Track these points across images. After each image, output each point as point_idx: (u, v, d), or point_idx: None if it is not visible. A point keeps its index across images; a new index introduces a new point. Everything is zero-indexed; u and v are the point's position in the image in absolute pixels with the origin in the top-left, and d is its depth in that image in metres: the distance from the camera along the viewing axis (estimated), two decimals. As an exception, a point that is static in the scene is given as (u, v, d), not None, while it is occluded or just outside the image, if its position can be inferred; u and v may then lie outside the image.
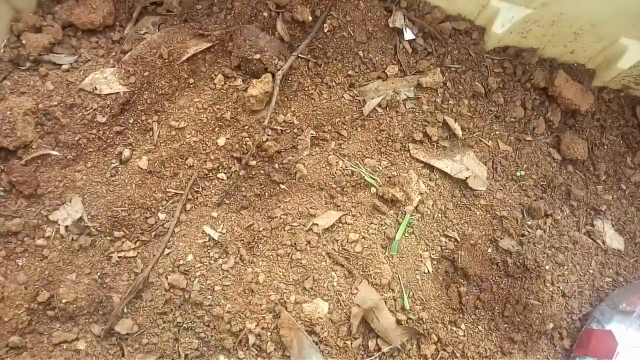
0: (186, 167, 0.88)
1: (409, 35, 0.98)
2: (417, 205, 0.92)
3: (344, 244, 0.87)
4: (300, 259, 0.85)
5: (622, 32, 0.97)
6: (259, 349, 0.81)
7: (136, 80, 0.87)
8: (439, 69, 0.98)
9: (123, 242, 0.84)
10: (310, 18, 0.93)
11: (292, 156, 0.91)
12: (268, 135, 0.90)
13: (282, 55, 0.92)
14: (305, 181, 0.90)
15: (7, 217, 0.80)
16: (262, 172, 0.90)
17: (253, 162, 0.90)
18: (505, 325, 0.93)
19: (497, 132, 1.02)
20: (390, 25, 0.97)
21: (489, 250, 0.95)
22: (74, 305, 0.79)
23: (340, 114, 0.94)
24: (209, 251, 0.85)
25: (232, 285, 0.83)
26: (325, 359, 0.80)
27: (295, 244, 0.85)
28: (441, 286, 0.92)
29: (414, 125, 0.96)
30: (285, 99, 0.93)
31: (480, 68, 1.02)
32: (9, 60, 0.85)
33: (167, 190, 0.87)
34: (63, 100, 0.84)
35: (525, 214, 0.99)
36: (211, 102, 0.90)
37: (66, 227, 0.82)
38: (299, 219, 0.88)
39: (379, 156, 0.94)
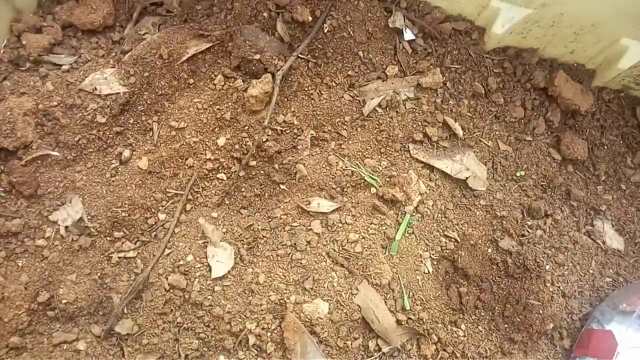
0: (186, 167, 0.88)
1: (408, 35, 0.98)
2: (417, 205, 0.92)
3: (344, 244, 0.87)
4: (300, 259, 0.85)
5: (623, 33, 0.97)
6: (259, 349, 0.81)
7: (136, 81, 0.87)
8: (438, 69, 0.98)
9: (123, 243, 0.84)
10: (310, 18, 0.93)
11: (292, 156, 0.91)
12: (268, 135, 0.90)
13: (282, 55, 0.92)
14: (305, 181, 0.90)
15: (7, 217, 0.80)
16: (262, 172, 0.90)
17: (253, 163, 0.90)
18: (506, 326, 0.93)
19: (497, 132, 1.02)
20: (390, 25, 0.97)
21: (489, 250, 0.95)
22: (74, 306, 0.79)
23: (340, 114, 0.94)
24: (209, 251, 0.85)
25: (232, 285, 0.83)
26: None
27: (295, 244, 0.85)
28: (441, 286, 0.92)
29: (414, 126, 0.96)
30: (285, 99, 0.93)
31: (480, 68, 1.02)
32: (9, 61, 0.85)
33: (167, 190, 0.87)
34: (63, 101, 0.84)
35: (525, 214, 0.99)
36: (211, 103, 0.90)
37: (66, 227, 0.82)
38: (299, 219, 0.88)
39: (379, 156, 0.94)
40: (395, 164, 0.94)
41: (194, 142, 0.89)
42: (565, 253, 0.98)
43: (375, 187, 0.91)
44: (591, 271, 1.00)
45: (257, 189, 0.90)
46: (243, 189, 0.90)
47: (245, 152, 0.89)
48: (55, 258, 0.81)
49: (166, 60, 0.89)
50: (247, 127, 0.90)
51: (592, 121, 1.08)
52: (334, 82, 0.95)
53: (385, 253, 0.88)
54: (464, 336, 0.91)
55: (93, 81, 0.85)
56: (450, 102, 0.99)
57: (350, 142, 0.94)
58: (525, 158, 1.03)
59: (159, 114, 0.90)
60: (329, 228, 0.87)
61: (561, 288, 0.95)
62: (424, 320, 0.87)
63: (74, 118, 0.84)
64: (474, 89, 1.01)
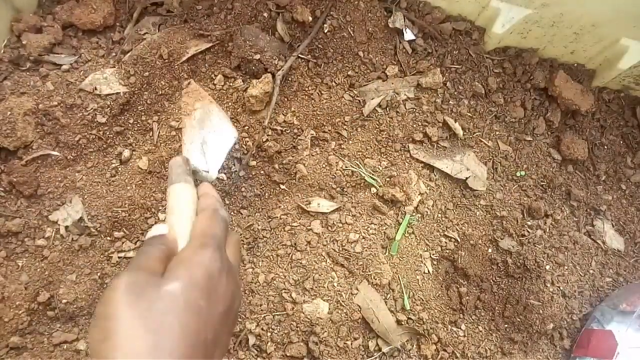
0: (186, 167, 0.88)
1: (409, 35, 0.98)
2: (417, 205, 0.92)
3: (344, 244, 0.87)
4: (300, 259, 0.85)
5: (623, 33, 0.97)
6: (259, 349, 0.81)
7: (136, 81, 0.87)
8: (439, 69, 0.98)
9: (123, 243, 0.84)
10: (310, 18, 0.93)
11: (292, 156, 0.91)
12: (268, 135, 0.90)
13: (282, 55, 0.92)
14: (305, 181, 0.90)
15: (7, 217, 0.80)
16: (262, 172, 0.90)
17: (253, 163, 0.90)
18: (506, 326, 0.93)
19: (497, 132, 1.02)
20: (390, 25, 0.97)
21: (489, 250, 0.95)
22: (74, 306, 0.79)
23: (340, 114, 0.94)
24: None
25: (232, 285, 0.83)
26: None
27: (295, 244, 0.86)
28: (441, 286, 0.92)
29: (414, 126, 0.96)
30: (285, 99, 0.93)
31: (480, 68, 1.02)
32: (9, 61, 0.85)
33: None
34: (63, 101, 0.84)
35: (525, 214, 0.99)
36: (211, 103, 0.90)
37: (66, 227, 0.82)
38: (299, 219, 0.88)
39: (379, 156, 0.94)
40: (395, 164, 0.94)
41: (194, 142, 0.89)
42: (565, 253, 0.98)
43: (375, 187, 0.91)
44: (591, 271, 1.00)
45: (257, 189, 0.90)
46: (243, 189, 0.90)
47: (245, 152, 0.89)
48: (56, 258, 0.81)
49: (166, 60, 0.89)
50: (247, 127, 0.90)
51: (592, 121, 1.08)
52: (334, 82, 0.95)
53: (385, 253, 0.88)
54: (464, 336, 0.91)
55: (93, 81, 0.85)
56: (450, 102, 0.99)
57: (350, 142, 0.94)
58: (525, 158, 1.03)
59: (159, 113, 0.90)
60: (329, 228, 0.87)
61: (561, 288, 0.95)
62: (424, 320, 0.87)
63: (74, 118, 0.84)
64: (474, 89, 1.01)
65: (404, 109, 0.96)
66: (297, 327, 0.81)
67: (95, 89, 0.85)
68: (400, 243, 0.89)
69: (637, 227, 1.06)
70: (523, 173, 1.02)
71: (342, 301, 0.84)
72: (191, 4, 0.94)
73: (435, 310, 0.90)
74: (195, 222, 0.48)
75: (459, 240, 0.94)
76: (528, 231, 0.97)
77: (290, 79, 0.93)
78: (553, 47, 1.03)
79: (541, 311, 0.92)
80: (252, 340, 0.80)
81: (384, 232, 0.88)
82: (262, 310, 0.82)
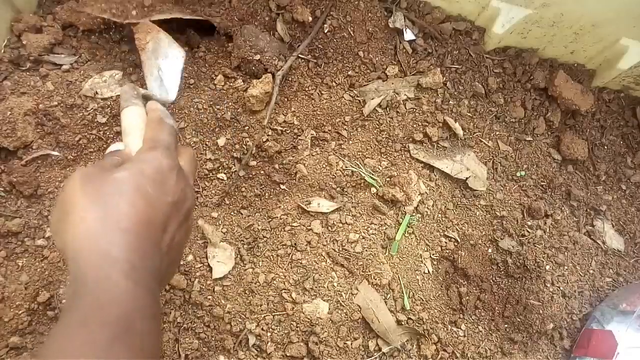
0: (186, 167, 0.88)
1: (409, 35, 0.98)
2: (417, 205, 0.92)
3: (344, 244, 0.87)
4: (300, 259, 0.85)
5: (623, 33, 0.97)
6: (259, 349, 0.81)
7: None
8: (439, 69, 0.98)
9: (123, 243, 0.84)
10: (311, 18, 0.93)
11: (292, 156, 0.91)
12: (268, 135, 0.90)
13: (282, 55, 0.92)
14: (305, 181, 0.90)
15: (7, 217, 0.80)
16: (262, 172, 0.90)
17: (253, 163, 0.90)
18: (506, 326, 0.93)
19: (497, 133, 1.02)
20: (391, 25, 0.97)
21: (489, 250, 0.95)
22: (74, 306, 0.79)
23: (340, 114, 0.94)
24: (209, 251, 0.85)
25: (232, 285, 0.83)
26: None
27: (295, 244, 0.86)
28: (441, 286, 0.92)
29: (414, 126, 0.96)
30: (286, 99, 0.93)
31: (480, 68, 1.02)
32: (10, 61, 0.85)
33: (167, 190, 0.87)
34: (63, 101, 0.84)
35: (525, 214, 0.99)
36: (211, 103, 0.90)
37: (66, 227, 0.82)
38: (299, 219, 0.88)
39: (379, 156, 0.94)
40: (395, 164, 0.94)
41: (194, 142, 0.89)
42: (565, 253, 0.98)
43: (376, 187, 0.91)
44: (591, 271, 1.00)
45: (257, 189, 0.90)
46: (243, 189, 0.90)
47: (246, 152, 0.89)
48: (56, 258, 0.81)
49: (166, 60, 0.89)
50: (247, 127, 0.90)
51: (592, 121, 1.08)
52: (334, 82, 0.95)
53: (385, 253, 0.88)
54: (464, 336, 0.91)
55: (93, 85, 0.85)
56: (450, 102, 0.99)
57: (350, 142, 0.94)
58: (525, 158, 1.03)
59: (159, 114, 0.90)
60: (329, 228, 0.87)
61: (561, 288, 0.95)
62: (424, 320, 0.87)
63: (74, 118, 0.84)
64: (474, 89, 1.01)
65: (404, 109, 0.96)
66: (297, 327, 0.81)
67: (97, 93, 0.85)
68: (400, 243, 0.89)
69: (637, 227, 1.06)
70: (523, 173, 1.02)
71: (342, 301, 0.84)
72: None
73: (435, 310, 0.90)
74: (144, 132, 0.52)
75: (459, 240, 0.94)
76: (528, 231, 0.97)
77: (290, 79, 0.93)
78: (553, 47, 1.03)
79: (541, 311, 0.92)
80: (252, 340, 0.80)
81: (384, 232, 0.88)
82: (262, 310, 0.82)
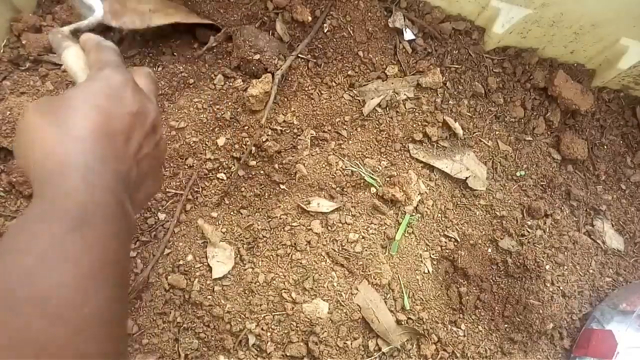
0: (186, 167, 0.88)
1: (408, 35, 0.98)
2: (417, 205, 0.92)
3: (344, 244, 0.87)
4: (300, 259, 0.85)
5: (623, 33, 0.97)
6: (259, 349, 0.81)
7: (136, 81, 0.87)
8: (438, 69, 0.98)
9: (123, 243, 0.84)
10: (310, 18, 0.93)
11: (292, 156, 0.91)
12: (268, 135, 0.90)
13: (281, 55, 0.92)
14: (305, 181, 0.90)
15: (7, 217, 0.80)
16: (262, 172, 0.90)
17: (253, 162, 0.90)
18: (506, 326, 0.93)
19: (497, 132, 1.02)
20: (390, 25, 0.97)
21: (489, 250, 0.95)
22: (74, 306, 0.79)
23: (340, 114, 0.94)
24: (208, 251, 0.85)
25: (232, 285, 0.83)
26: None
27: (295, 244, 0.85)
28: (441, 286, 0.92)
29: (414, 126, 0.96)
30: (285, 99, 0.93)
31: (480, 68, 1.02)
32: (9, 61, 0.85)
33: (167, 190, 0.87)
34: (63, 101, 0.84)
35: (525, 214, 0.99)
36: (211, 102, 0.90)
37: (66, 227, 0.82)
38: (299, 219, 0.88)
39: (379, 156, 0.94)
40: (395, 163, 0.94)
41: (194, 141, 0.89)
42: (565, 253, 0.98)
43: (375, 187, 0.91)
44: (591, 271, 1.00)
45: (257, 188, 0.90)
46: (243, 189, 0.90)
47: (245, 151, 0.89)
48: (55, 258, 0.81)
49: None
50: (247, 127, 0.90)
51: (592, 121, 1.08)
52: (334, 81, 0.95)
53: (385, 253, 0.88)
54: (464, 336, 0.91)
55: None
56: (450, 102, 0.99)
57: (350, 142, 0.94)
58: (525, 158, 1.03)
59: (158, 113, 0.90)
60: (329, 228, 0.87)
61: (561, 288, 0.95)
62: (424, 320, 0.87)
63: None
64: (474, 88, 1.01)
65: (404, 108, 0.96)
66: (297, 327, 0.81)
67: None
68: (400, 243, 0.89)
69: (637, 227, 1.06)
70: (523, 173, 1.02)
71: (342, 301, 0.84)
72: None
73: (435, 310, 0.90)
74: (87, 61, 0.52)
75: (459, 240, 0.94)
76: (528, 231, 0.97)
77: (290, 78, 0.93)
78: (553, 47, 1.03)
79: (541, 311, 0.92)
80: (252, 340, 0.80)
81: (384, 232, 0.88)
82: (262, 310, 0.82)
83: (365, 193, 0.91)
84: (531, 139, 1.04)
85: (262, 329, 0.81)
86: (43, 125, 0.42)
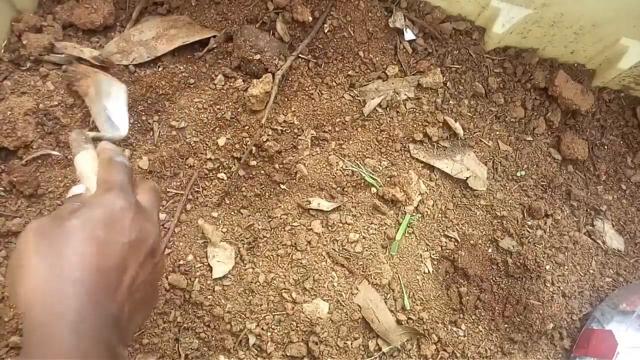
0: (186, 167, 0.88)
1: (409, 35, 0.98)
2: (418, 205, 0.92)
3: (344, 244, 0.87)
4: (300, 259, 0.85)
5: (623, 33, 0.97)
6: (259, 349, 0.81)
7: (136, 81, 0.87)
8: (439, 69, 0.98)
9: (123, 242, 0.84)
10: (311, 18, 0.93)
11: (293, 156, 0.91)
12: (268, 135, 0.90)
13: (282, 55, 0.92)
14: (305, 181, 0.90)
15: (7, 217, 0.80)
16: (262, 172, 0.90)
17: (253, 162, 0.90)
18: (506, 326, 0.93)
19: (498, 132, 1.02)
20: (391, 25, 0.97)
21: (489, 250, 0.95)
22: (75, 305, 0.79)
23: (340, 114, 0.94)
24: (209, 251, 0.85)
25: (232, 285, 0.83)
26: None
27: (295, 244, 0.86)
28: (441, 286, 0.92)
29: (414, 126, 0.96)
30: (286, 99, 0.93)
31: (481, 68, 1.02)
32: (10, 61, 0.85)
33: (168, 190, 0.87)
34: (63, 100, 0.84)
35: (525, 214, 0.99)
36: (211, 102, 0.90)
37: (66, 227, 0.82)
38: (299, 219, 0.88)
39: (379, 156, 0.94)
40: (395, 163, 0.94)
41: (194, 141, 0.89)
42: (566, 253, 0.98)
43: (376, 187, 0.91)
44: (591, 271, 1.00)
45: (257, 188, 0.90)
46: (243, 189, 0.90)
47: (245, 151, 0.89)
48: (56, 258, 0.81)
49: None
50: (247, 127, 0.90)
51: (593, 121, 1.08)
52: (335, 82, 0.95)
53: (385, 253, 0.88)
54: (464, 336, 0.91)
55: (93, 81, 0.85)
56: (450, 102, 0.99)
57: (350, 142, 0.94)
58: (525, 158, 1.03)
59: (159, 113, 0.90)
60: (329, 228, 0.88)
61: (561, 288, 0.95)
62: (424, 320, 0.87)
63: (75, 117, 0.84)
64: (474, 89, 1.01)
65: (404, 108, 0.96)
66: (297, 327, 0.81)
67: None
68: (401, 243, 0.89)
69: (637, 227, 1.06)
70: (523, 173, 1.02)
71: (342, 301, 0.84)
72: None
73: (435, 310, 0.90)
74: (97, 175, 0.53)
75: (459, 240, 0.94)
76: (528, 231, 0.97)
77: (290, 78, 0.93)
78: (553, 47, 1.03)
79: (541, 311, 0.92)
80: (252, 340, 0.80)
81: (384, 232, 0.88)
82: (262, 310, 0.82)
83: (366, 193, 0.91)
84: (531, 139, 1.04)
85: (262, 328, 0.81)
86: (38, 260, 0.41)
